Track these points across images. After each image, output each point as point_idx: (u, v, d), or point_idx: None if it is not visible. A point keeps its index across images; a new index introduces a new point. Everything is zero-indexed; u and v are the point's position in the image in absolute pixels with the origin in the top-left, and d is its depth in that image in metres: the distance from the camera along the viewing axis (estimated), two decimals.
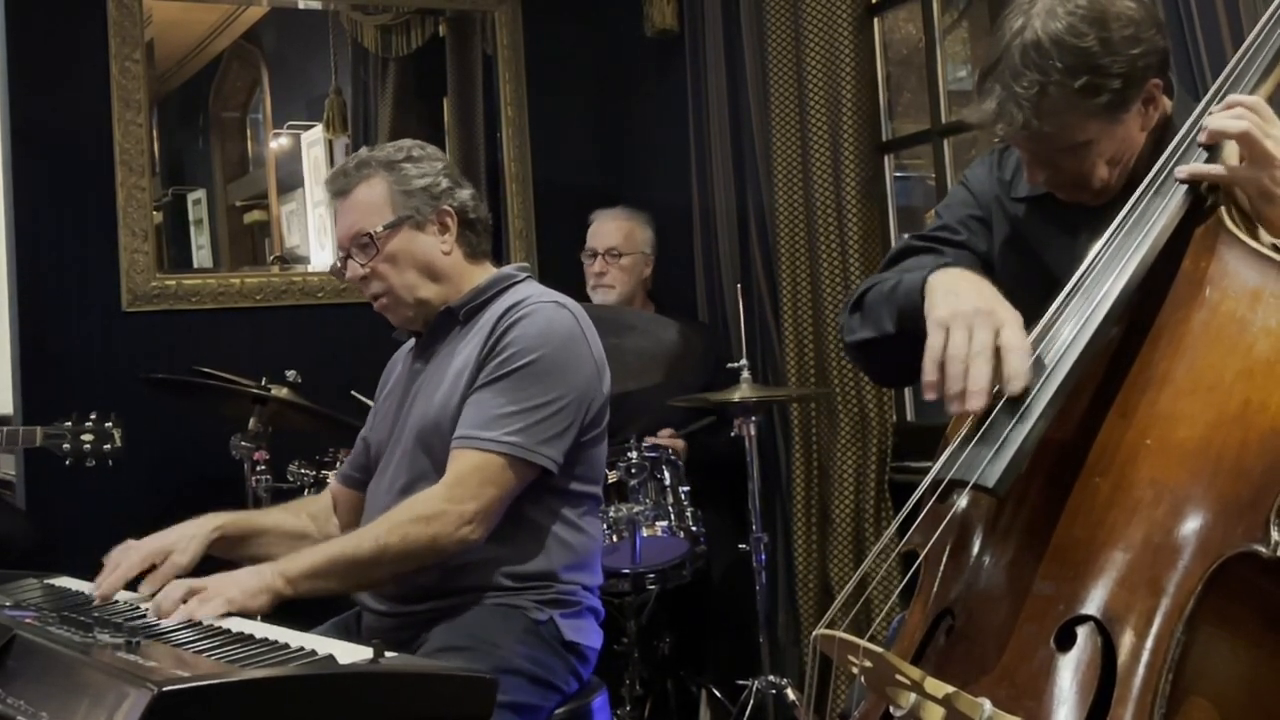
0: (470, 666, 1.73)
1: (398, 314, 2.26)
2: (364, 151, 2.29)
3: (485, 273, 2.29)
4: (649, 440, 3.36)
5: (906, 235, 2.04)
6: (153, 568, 1.99)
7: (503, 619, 2.09)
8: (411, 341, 2.37)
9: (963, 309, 1.49)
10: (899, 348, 1.69)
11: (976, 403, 1.42)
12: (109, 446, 3.36)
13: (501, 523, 2.08)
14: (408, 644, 2.05)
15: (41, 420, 3.61)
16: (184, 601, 1.81)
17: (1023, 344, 1.43)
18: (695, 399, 3.28)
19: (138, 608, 1.86)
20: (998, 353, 1.44)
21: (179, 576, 1.96)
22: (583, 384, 2.14)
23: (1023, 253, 1.85)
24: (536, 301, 2.17)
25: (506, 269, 2.31)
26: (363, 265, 2.22)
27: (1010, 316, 1.47)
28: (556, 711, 2.13)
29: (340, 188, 2.26)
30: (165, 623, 1.74)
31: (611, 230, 3.80)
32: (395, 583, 2.11)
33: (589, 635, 2.20)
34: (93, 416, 3.36)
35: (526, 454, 2.06)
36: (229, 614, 1.80)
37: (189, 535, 2.08)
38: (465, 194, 2.28)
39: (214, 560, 2.11)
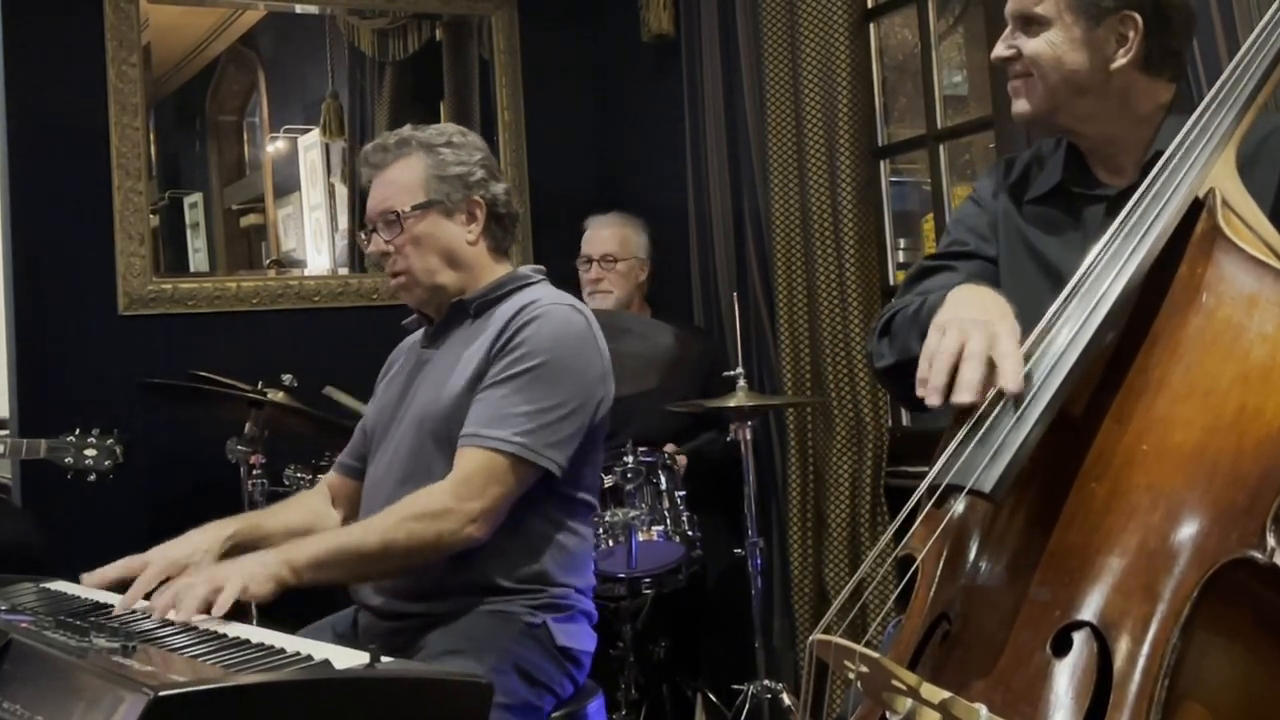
0: (466, 670, 1.73)
1: (413, 294, 2.29)
2: (407, 129, 2.31)
3: (504, 269, 2.31)
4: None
5: (922, 258, 2.07)
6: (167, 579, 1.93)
7: (498, 624, 2.10)
8: (420, 331, 2.39)
9: (961, 316, 1.51)
10: None
11: (964, 396, 1.41)
12: (109, 463, 3.37)
13: (499, 525, 2.08)
14: (404, 649, 2.06)
15: (38, 424, 3.61)
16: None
17: (1017, 353, 1.43)
18: (691, 404, 3.28)
19: (134, 612, 1.85)
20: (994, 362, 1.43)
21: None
22: (591, 389, 2.16)
23: (1026, 253, 1.88)
24: (550, 304, 2.18)
25: (523, 269, 2.34)
26: (387, 242, 2.25)
27: (1007, 329, 1.48)
28: (553, 715, 2.14)
29: (378, 162, 2.29)
30: (154, 626, 1.72)
31: (606, 237, 3.81)
32: (396, 578, 2.12)
33: (582, 639, 2.20)
34: (95, 431, 3.38)
35: (533, 455, 2.07)
36: (239, 602, 1.79)
37: (204, 548, 2.04)
38: (499, 188, 2.30)
39: None
